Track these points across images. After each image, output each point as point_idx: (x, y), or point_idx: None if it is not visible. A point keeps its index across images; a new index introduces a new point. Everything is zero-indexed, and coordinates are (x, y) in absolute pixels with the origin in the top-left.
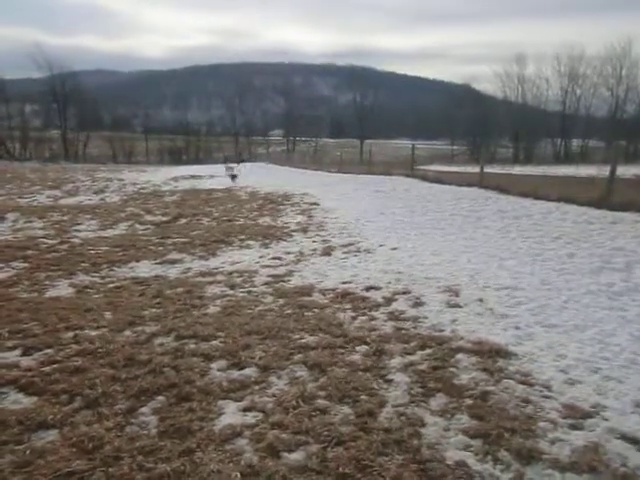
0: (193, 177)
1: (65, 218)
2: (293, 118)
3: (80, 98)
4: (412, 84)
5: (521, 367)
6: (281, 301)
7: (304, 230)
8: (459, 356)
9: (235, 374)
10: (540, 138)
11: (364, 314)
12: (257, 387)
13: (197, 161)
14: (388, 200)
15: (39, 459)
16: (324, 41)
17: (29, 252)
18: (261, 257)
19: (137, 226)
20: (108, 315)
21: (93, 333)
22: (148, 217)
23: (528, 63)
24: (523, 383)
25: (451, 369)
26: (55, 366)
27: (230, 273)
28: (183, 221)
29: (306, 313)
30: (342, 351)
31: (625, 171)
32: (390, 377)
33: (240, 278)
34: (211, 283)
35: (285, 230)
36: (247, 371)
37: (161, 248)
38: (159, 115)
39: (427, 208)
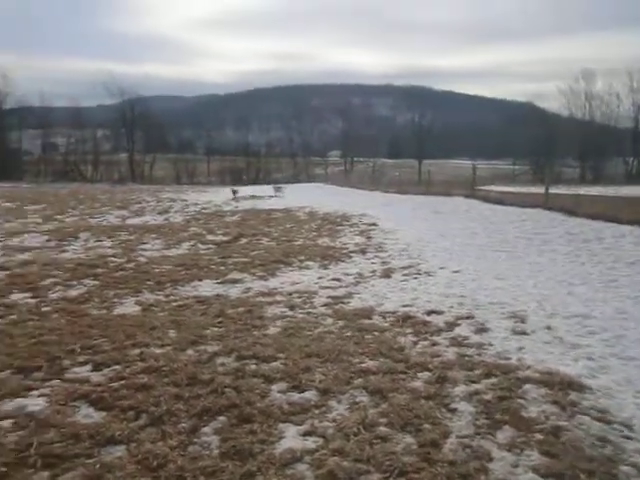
0: (253, 197)
1: (132, 237)
2: (351, 139)
3: (147, 122)
4: (471, 103)
5: (597, 402)
6: (341, 323)
7: (363, 251)
8: (527, 387)
9: (295, 397)
10: (609, 157)
11: (426, 339)
12: (317, 411)
13: (257, 181)
14: (448, 221)
15: (108, 474)
16: (381, 62)
17: (99, 270)
18: (320, 278)
19: (199, 245)
20: (172, 333)
21: (158, 351)
22: (210, 237)
23: (596, 79)
24: (600, 420)
25: (519, 400)
26: (122, 382)
27: (290, 294)
28: (243, 241)
29: (366, 336)
30: (403, 377)
31: None
32: (454, 406)
33: (300, 299)
34: (271, 303)
35: (344, 251)
36: (307, 394)
37: (222, 268)
38: (221, 137)
39: (489, 230)
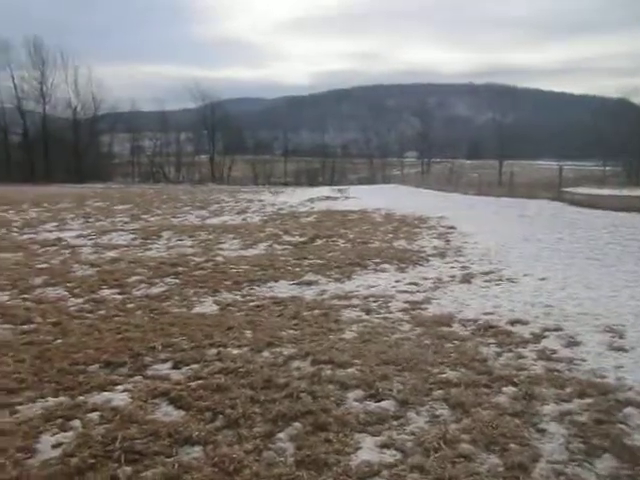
0: (328, 198)
1: (211, 237)
2: (428, 139)
3: (227, 125)
4: (557, 101)
5: None
6: (419, 330)
7: (441, 255)
8: (628, 410)
9: (372, 406)
10: None
11: (510, 350)
12: (395, 422)
13: (332, 182)
14: (532, 225)
15: (185, 474)
16: (460, 60)
17: (179, 269)
18: (397, 282)
19: (276, 246)
20: (248, 334)
21: (235, 351)
22: (286, 237)
23: None
24: None
25: (620, 425)
26: (200, 382)
27: (366, 297)
28: (319, 242)
29: (446, 345)
30: (487, 391)
31: None
32: (543, 426)
33: (376, 303)
34: (347, 307)
35: (421, 254)
36: (384, 404)
37: (298, 269)
38: (298, 138)
39: (577, 235)
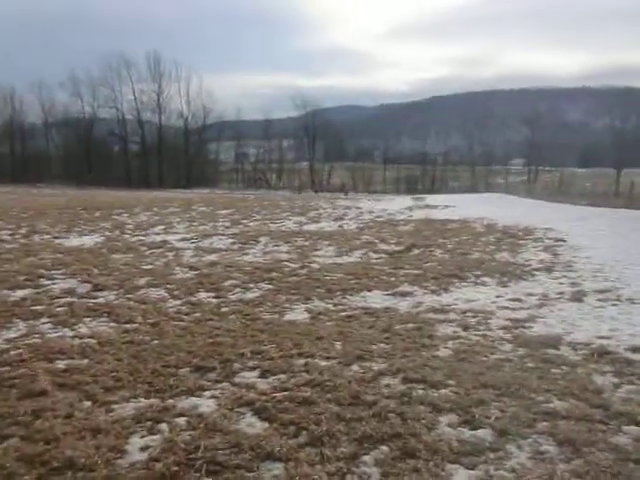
0: (427, 206)
1: (306, 243)
2: (536, 146)
3: (327, 132)
4: None
5: None
6: (521, 351)
7: (548, 269)
8: None
9: (467, 434)
10: None
11: (631, 382)
12: (492, 455)
13: (432, 191)
14: None
15: None
16: (573, 62)
17: (274, 274)
18: (498, 297)
19: (371, 254)
20: (338, 345)
21: (323, 363)
22: (382, 246)
23: None
24: None
25: None
26: (286, 393)
27: (463, 312)
28: (416, 252)
29: (552, 370)
30: (603, 428)
31: None
32: None
33: (474, 319)
34: (442, 321)
35: (526, 268)
36: (481, 432)
37: (393, 279)
38: (398, 146)
39: None
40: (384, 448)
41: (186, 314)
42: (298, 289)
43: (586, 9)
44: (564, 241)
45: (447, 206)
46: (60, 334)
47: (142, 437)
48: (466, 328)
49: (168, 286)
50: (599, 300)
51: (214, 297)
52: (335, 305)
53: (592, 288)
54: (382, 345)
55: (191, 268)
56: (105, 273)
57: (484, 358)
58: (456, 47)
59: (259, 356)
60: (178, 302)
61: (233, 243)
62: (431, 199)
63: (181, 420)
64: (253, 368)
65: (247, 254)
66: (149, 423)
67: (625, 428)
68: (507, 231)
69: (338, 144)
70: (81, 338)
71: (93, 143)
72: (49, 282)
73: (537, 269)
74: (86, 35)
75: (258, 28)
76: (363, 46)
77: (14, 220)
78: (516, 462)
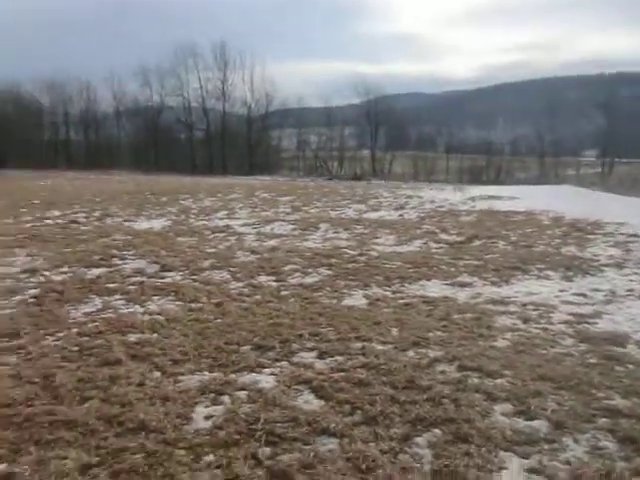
0: (491, 197)
1: (366, 231)
2: (613, 136)
3: (389, 120)
4: None
5: None
6: (583, 346)
7: (618, 265)
8: None
9: (521, 424)
10: None
11: None
12: (547, 446)
13: (497, 181)
14: None
15: (320, 464)
16: None
17: (333, 260)
18: (562, 291)
19: (431, 244)
20: (395, 331)
21: (379, 347)
22: (442, 236)
23: None
24: None
25: None
26: (342, 374)
27: (524, 304)
28: (477, 243)
29: (616, 367)
30: None
31: None
32: None
33: (535, 312)
34: (502, 313)
35: (593, 263)
36: (536, 423)
37: (452, 269)
38: (462, 134)
39: None
40: (437, 431)
41: (247, 296)
42: (356, 275)
43: None
44: (638, 237)
45: (512, 197)
46: (132, 310)
47: (206, 407)
48: (526, 321)
49: (231, 269)
50: None
51: (274, 281)
52: (393, 292)
53: None
54: (439, 333)
55: (253, 252)
56: (172, 255)
57: (543, 351)
58: (525, 32)
59: (317, 338)
60: (240, 284)
61: (294, 229)
62: (495, 190)
63: (242, 394)
64: (311, 349)
65: (307, 240)
66: (212, 395)
67: None
68: (575, 224)
69: (400, 132)
70: (150, 314)
71: (160, 130)
72: (121, 262)
73: (606, 264)
74: (158, 26)
75: (319, 15)
76: (427, 32)
77: (88, 204)
78: (572, 455)
